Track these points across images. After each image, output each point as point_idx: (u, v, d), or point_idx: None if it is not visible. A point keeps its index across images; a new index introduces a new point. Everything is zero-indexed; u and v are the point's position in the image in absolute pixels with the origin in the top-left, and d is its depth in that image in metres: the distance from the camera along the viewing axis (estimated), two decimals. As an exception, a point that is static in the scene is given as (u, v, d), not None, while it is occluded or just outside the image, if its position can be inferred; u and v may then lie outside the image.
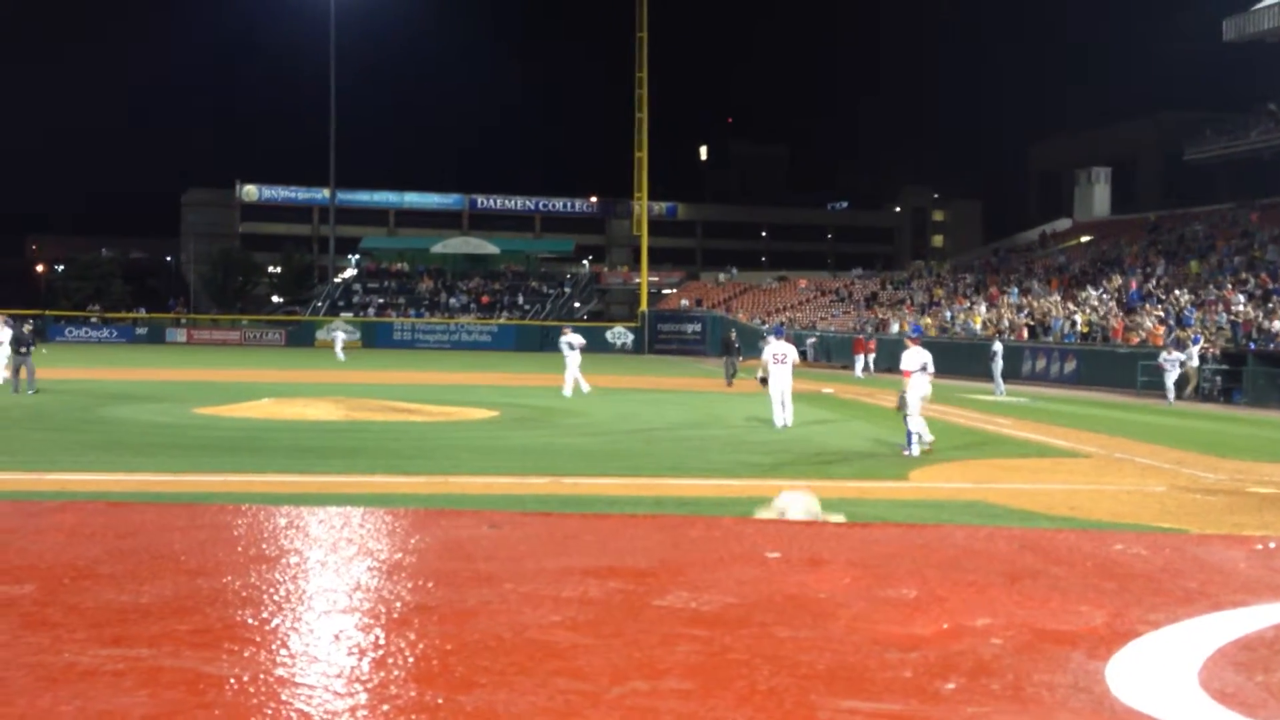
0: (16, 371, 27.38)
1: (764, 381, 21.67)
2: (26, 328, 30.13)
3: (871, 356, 47.75)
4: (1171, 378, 33.38)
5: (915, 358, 18.51)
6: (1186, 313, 43.52)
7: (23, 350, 27.86)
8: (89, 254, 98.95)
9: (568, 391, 28.63)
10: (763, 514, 6.04)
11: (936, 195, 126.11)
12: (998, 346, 37.03)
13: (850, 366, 48.95)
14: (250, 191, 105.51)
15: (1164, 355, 34.37)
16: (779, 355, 21.83)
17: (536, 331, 73.45)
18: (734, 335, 41.46)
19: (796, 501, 6.23)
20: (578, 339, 29.43)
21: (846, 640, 1.27)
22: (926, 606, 1.42)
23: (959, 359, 46.14)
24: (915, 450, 17.80)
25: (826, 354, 58.35)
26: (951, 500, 13.70)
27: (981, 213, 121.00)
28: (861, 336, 51.64)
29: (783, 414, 21.52)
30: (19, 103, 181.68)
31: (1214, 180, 72.18)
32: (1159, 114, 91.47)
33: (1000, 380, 35.16)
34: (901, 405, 18.32)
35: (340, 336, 48.68)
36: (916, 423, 18.00)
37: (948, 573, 1.61)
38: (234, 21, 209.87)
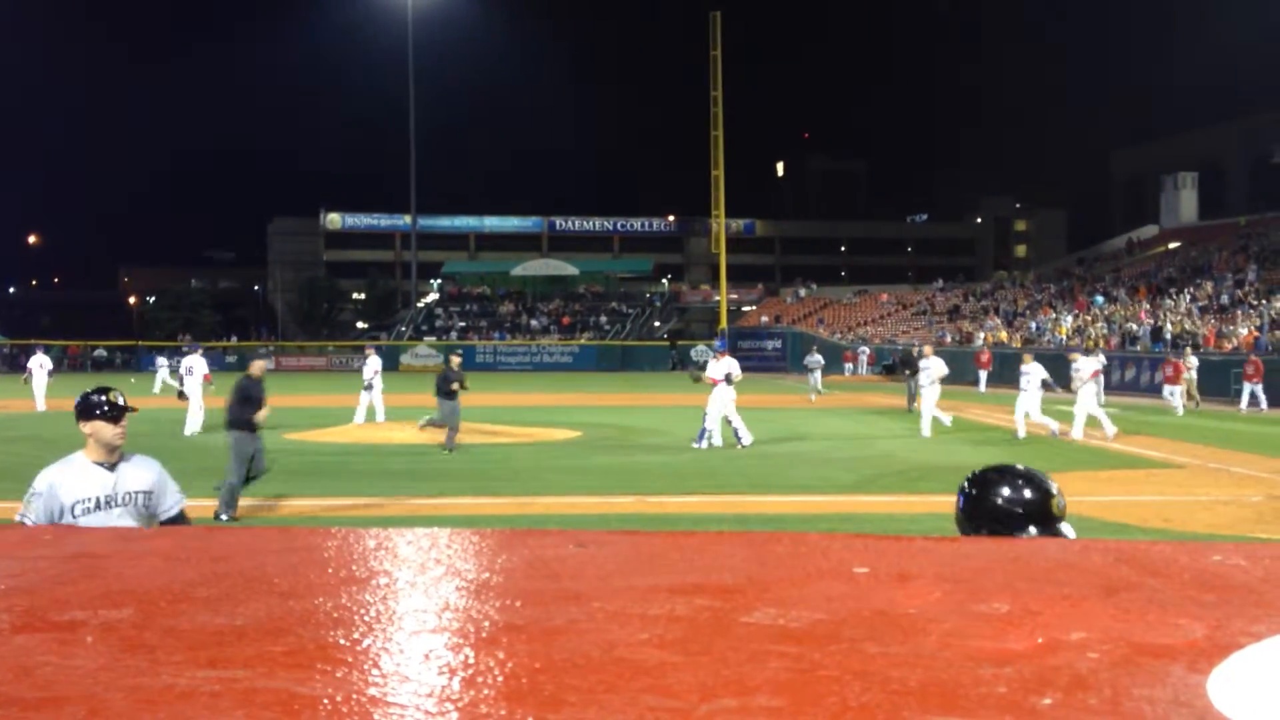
0: (452, 426, 20.70)
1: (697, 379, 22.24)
2: (455, 359, 21.97)
3: (984, 373, 44.37)
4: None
5: (720, 368, 21.14)
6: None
7: (455, 388, 20.75)
8: (179, 284, 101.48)
9: (359, 418, 25.94)
10: None
11: (1018, 205, 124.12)
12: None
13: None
14: (334, 219, 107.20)
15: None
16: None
17: (617, 351, 73.67)
18: (916, 352, 38.47)
19: None
20: (373, 363, 26.38)
21: (938, 656, 1.25)
22: (1020, 621, 1.39)
23: (1048, 370, 45.06)
24: (704, 444, 20.71)
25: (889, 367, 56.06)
26: (1041, 514, 13.45)
27: (1065, 222, 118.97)
28: (983, 350, 48.56)
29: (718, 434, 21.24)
30: (109, 139, 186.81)
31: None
32: (1245, 117, 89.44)
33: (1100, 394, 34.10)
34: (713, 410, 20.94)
35: (164, 365, 47.85)
36: (713, 423, 20.91)
37: (1041, 586, 1.58)
38: (315, 52, 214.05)
